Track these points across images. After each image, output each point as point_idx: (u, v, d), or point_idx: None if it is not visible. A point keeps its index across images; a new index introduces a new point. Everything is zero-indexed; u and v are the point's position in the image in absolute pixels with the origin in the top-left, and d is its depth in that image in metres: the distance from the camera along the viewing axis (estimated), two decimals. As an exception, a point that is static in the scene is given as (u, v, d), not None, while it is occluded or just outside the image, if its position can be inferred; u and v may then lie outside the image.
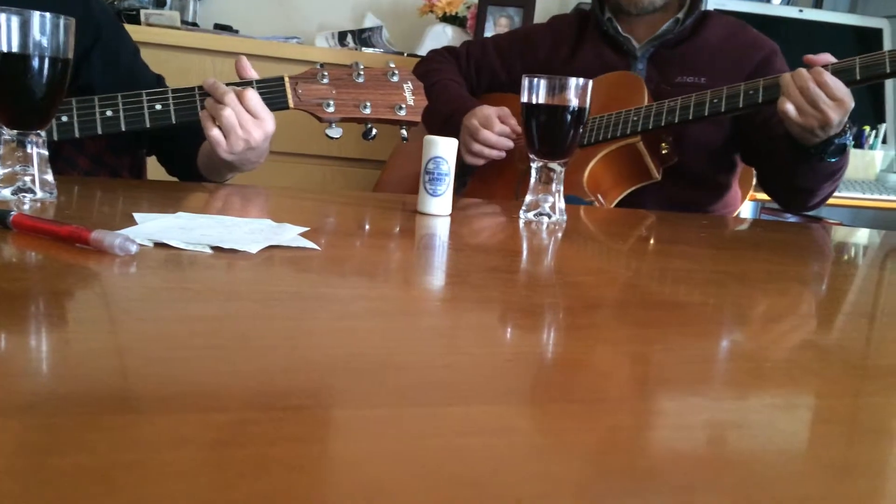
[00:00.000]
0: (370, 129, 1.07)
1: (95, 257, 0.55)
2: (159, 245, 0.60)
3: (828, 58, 1.18)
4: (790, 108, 1.15)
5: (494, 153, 1.40)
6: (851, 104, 1.16)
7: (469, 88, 1.58)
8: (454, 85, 1.54)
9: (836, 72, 1.15)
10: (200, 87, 1.00)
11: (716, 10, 1.49)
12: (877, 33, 2.20)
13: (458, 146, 1.43)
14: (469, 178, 1.49)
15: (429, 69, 1.58)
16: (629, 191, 1.37)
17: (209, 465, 0.27)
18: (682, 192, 1.42)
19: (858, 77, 1.15)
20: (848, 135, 1.23)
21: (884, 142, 2.14)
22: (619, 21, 1.47)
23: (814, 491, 0.30)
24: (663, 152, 1.34)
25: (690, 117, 1.26)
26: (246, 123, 0.97)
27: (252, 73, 1.03)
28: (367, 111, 1.04)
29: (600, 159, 1.33)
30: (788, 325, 0.58)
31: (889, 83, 2.17)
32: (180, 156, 1.16)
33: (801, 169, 1.29)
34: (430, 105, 1.53)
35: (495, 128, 1.38)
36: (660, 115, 1.29)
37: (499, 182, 1.46)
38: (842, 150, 1.24)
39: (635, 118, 1.31)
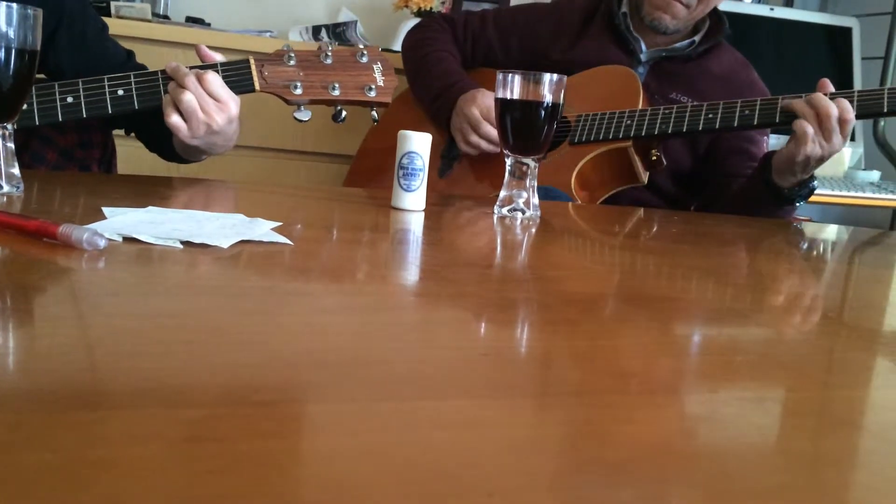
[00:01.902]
0: (339, 112, 1.05)
1: (63, 252, 0.54)
2: (129, 240, 0.59)
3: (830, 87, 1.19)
4: (809, 131, 1.15)
5: (491, 148, 1.39)
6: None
7: (462, 60, 1.55)
8: (449, 58, 1.51)
9: (861, 104, 1.16)
10: (164, 71, 0.99)
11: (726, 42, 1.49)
12: (846, 32, 2.23)
13: (450, 129, 1.42)
14: (456, 163, 1.47)
15: (424, 37, 1.55)
16: (613, 192, 1.37)
17: (178, 462, 0.27)
18: (655, 202, 1.43)
19: (885, 110, 1.16)
20: (815, 181, 1.26)
21: (852, 139, 2.17)
22: (632, 20, 1.46)
23: (784, 482, 0.30)
24: (653, 158, 1.34)
25: (684, 129, 1.26)
26: (208, 107, 0.95)
27: (214, 56, 1.01)
28: (336, 93, 1.02)
29: (590, 160, 1.33)
30: (758, 319, 0.58)
31: (858, 82, 2.20)
32: (156, 137, 1.14)
33: (762, 208, 1.31)
34: (421, 76, 1.51)
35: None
36: (653, 123, 1.27)
37: (486, 171, 1.45)
38: (811, 194, 1.28)
39: (629, 122, 1.29)
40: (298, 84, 1.01)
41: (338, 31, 2.21)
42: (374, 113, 1.08)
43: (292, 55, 1.02)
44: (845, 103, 1.14)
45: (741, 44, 1.58)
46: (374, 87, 1.03)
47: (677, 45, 1.44)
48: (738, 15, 2.21)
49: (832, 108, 1.13)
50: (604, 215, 1.21)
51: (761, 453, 0.33)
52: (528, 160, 0.96)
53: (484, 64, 1.56)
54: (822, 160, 1.18)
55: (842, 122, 1.14)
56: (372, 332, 0.45)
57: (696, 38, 1.45)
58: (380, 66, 1.04)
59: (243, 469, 0.27)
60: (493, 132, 1.36)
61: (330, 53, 1.02)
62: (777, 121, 1.20)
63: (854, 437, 0.36)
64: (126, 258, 0.55)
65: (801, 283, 0.79)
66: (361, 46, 1.05)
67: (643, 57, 1.44)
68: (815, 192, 1.88)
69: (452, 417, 0.33)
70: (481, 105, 1.37)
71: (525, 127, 0.95)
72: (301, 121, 1.03)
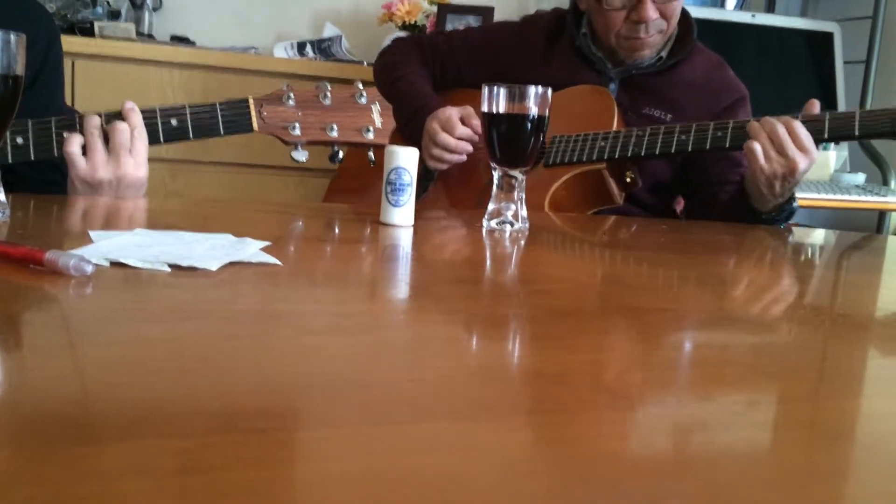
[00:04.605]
0: (337, 152, 1.05)
1: (50, 279, 0.54)
2: (116, 264, 0.59)
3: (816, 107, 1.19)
4: (757, 148, 1.15)
5: (455, 157, 1.38)
6: (816, 157, 1.16)
7: (433, 82, 1.54)
8: (419, 80, 1.50)
9: (806, 123, 1.16)
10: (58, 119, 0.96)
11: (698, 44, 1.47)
12: (828, 37, 2.25)
13: (421, 150, 1.42)
14: (431, 185, 1.48)
15: (393, 61, 1.55)
16: (589, 213, 1.37)
17: (170, 494, 0.27)
18: (635, 213, 1.43)
19: (826, 136, 1.16)
20: (796, 202, 1.25)
21: (836, 143, 2.19)
22: (594, 40, 1.44)
23: (776, 496, 0.30)
24: (627, 180, 1.34)
25: (657, 152, 1.25)
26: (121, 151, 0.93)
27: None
28: (334, 134, 1.02)
29: (564, 182, 1.32)
30: (747, 328, 0.59)
31: (840, 86, 2.22)
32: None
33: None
34: (392, 101, 1.51)
35: (456, 131, 1.36)
36: (627, 146, 1.27)
37: (461, 191, 1.45)
38: (791, 215, 1.27)
39: (602, 144, 1.28)
40: (297, 125, 1.01)
41: (323, 47, 2.22)
42: (370, 154, 1.08)
43: (291, 95, 1.02)
44: (789, 118, 1.14)
45: (724, 51, 1.58)
46: (371, 128, 1.03)
47: (644, 63, 1.42)
48: (720, 22, 2.22)
49: (778, 126, 1.14)
50: (593, 226, 1.22)
51: (753, 467, 0.33)
52: (516, 172, 0.96)
53: (454, 85, 1.56)
54: (787, 178, 1.16)
55: (791, 132, 1.13)
56: (362, 353, 0.45)
57: (664, 52, 1.43)
58: (378, 106, 1.04)
59: (234, 499, 0.26)
60: (450, 141, 1.35)
61: (329, 94, 1.02)
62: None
63: (846, 449, 0.36)
64: (114, 283, 0.55)
65: (789, 291, 0.79)
66: (360, 87, 1.05)
67: (612, 75, 1.43)
68: (802, 196, 1.88)
69: (443, 439, 0.33)
70: (441, 118, 1.36)
71: (512, 140, 0.96)
72: (298, 161, 1.03)
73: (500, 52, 1.51)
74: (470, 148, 1.37)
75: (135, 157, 0.96)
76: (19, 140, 0.95)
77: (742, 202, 1.27)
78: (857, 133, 1.16)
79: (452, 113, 1.36)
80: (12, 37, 0.75)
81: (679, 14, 1.39)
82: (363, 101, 1.04)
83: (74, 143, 0.94)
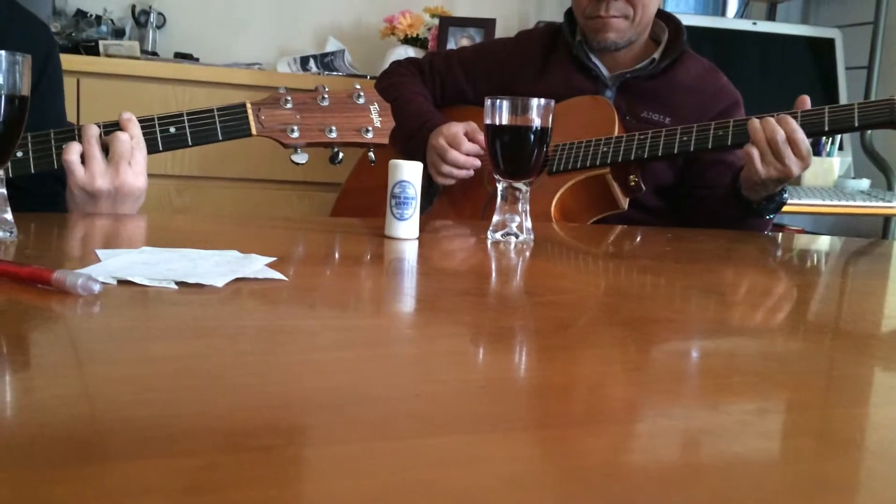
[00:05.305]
0: (337, 154, 1.05)
1: (58, 298, 0.54)
2: (123, 282, 0.59)
3: (807, 103, 1.20)
4: (755, 153, 1.17)
5: (464, 173, 1.39)
6: (811, 162, 1.18)
7: (433, 101, 1.57)
8: (419, 98, 1.53)
9: (805, 122, 1.17)
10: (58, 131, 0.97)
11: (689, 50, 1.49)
12: (829, 43, 2.25)
13: (426, 166, 1.44)
14: (436, 198, 1.49)
15: (392, 82, 1.57)
16: (594, 219, 1.37)
17: (179, 514, 0.27)
18: (640, 217, 1.43)
19: (827, 129, 1.17)
20: (786, 194, 1.27)
21: (840, 149, 2.19)
22: (589, 46, 1.47)
23: (786, 508, 0.30)
24: (631, 184, 1.35)
25: (660, 153, 1.27)
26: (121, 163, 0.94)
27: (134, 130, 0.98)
28: (333, 135, 1.02)
29: (568, 188, 1.33)
30: (755, 337, 0.59)
31: (843, 91, 2.22)
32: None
33: (732, 220, 1.32)
34: (394, 119, 1.53)
35: (463, 147, 1.38)
36: (629, 150, 1.28)
37: (466, 203, 1.46)
38: (780, 207, 1.29)
39: (605, 149, 1.30)
40: (295, 127, 1.01)
41: (326, 61, 2.23)
42: (371, 154, 1.08)
43: (289, 98, 1.02)
44: (792, 123, 1.16)
45: (726, 59, 1.59)
46: (370, 128, 1.03)
47: (638, 66, 1.45)
48: (721, 30, 2.23)
49: (778, 133, 1.15)
50: (598, 237, 1.22)
51: (764, 476, 0.32)
52: (520, 184, 0.96)
53: (454, 103, 1.58)
54: (782, 180, 1.19)
55: (791, 141, 1.15)
56: (368, 368, 0.45)
57: (656, 55, 1.45)
58: (376, 106, 1.04)
59: (244, 519, 0.26)
60: (460, 157, 1.38)
61: (327, 95, 1.02)
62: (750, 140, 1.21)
63: (856, 458, 0.36)
64: (121, 302, 0.55)
65: (797, 298, 0.79)
66: (358, 87, 1.05)
67: (608, 81, 1.45)
68: (807, 202, 1.88)
69: (452, 455, 0.33)
70: (447, 134, 1.39)
71: (515, 152, 0.96)
72: (298, 163, 1.03)
73: (498, 67, 1.54)
74: (478, 163, 1.39)
75: (134, 166, 0.96)
76: (19, 154, 0.96)
77: (734, 192, 1.28)
78: (857, 124, 1.17)
79: (458, 129, 1.38)
80: (18, 58, 0.76)
81: (650, 2, 1.42)
82: (361, 101, 1.04)
83: (73, 151, 0.94)
